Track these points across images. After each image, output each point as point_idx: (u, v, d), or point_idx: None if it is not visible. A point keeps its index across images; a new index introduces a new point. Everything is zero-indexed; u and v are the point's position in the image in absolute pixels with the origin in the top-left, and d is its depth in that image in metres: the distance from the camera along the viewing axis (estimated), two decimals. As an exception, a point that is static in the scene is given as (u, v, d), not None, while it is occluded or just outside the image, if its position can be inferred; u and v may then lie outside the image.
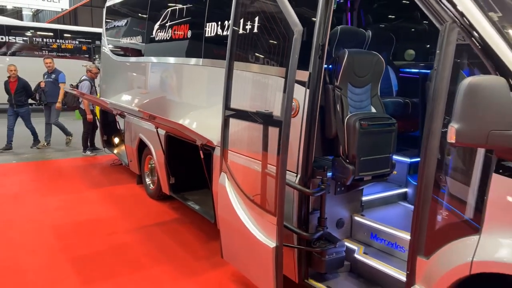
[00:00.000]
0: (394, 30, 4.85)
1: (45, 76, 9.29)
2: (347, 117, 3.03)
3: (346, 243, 3.31)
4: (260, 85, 3.16)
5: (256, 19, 3.12)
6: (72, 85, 8.31)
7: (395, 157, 3.45)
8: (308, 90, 2.92)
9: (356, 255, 3.23)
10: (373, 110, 3.28)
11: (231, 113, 3.29)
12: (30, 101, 9.34)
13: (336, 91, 3.06)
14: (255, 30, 3.13)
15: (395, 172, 3.41)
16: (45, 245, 4.41)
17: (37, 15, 34.23)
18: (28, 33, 15.88)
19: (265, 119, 2.96)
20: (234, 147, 3.34)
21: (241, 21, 3.23)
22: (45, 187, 6.52)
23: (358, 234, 3.46)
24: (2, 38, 15.08)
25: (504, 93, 1.81)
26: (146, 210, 5.50)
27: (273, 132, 2.85)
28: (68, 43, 16.49)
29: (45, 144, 9.40)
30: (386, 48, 4.34)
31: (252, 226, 3.17)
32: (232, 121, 3.32)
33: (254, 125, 3.14)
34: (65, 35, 16.39)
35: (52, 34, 16.15)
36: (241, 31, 3.22)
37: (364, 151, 3.02)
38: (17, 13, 35.33)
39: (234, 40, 3.26)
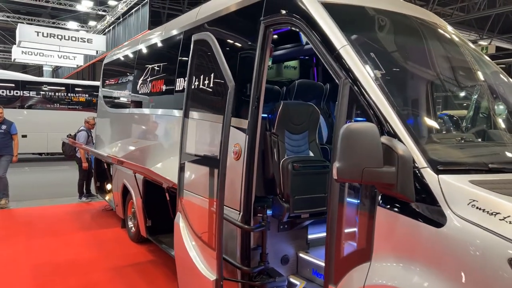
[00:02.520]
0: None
1: None
2: (283, 160, 3.38)
3: (290, 279, 3.53)
4: (208, 132, 3.57)
5: (206, 76, 3.59)
6: (70, 134, 8.87)
7: None
8: (247, 136, 3.31)
9: (296, 290, 3.43)
10: (311, 154, 3.62)
11: (186, 157, 3.68)
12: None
13: (272, 137, 3.44)
14: (205, 86, 3.59)
15: None
16: (21, 283, 4.69)
17: (56, 70, 36.18)
18: (42, 88, 16.94)
19: (210, 162, 3.34)
20: (187, 187, 3.69)
21: (194, 77, 3.70)
22: (35, 231, 6.85)
23: (303, 270, 3.68)
24: (17, 93, 16.12)
25: (374, 137, 2.16)
26: (124, 252, 5.77)
27: (216, 173, 3.20)
28: (79, 96, 17.47)
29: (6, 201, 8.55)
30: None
31: (198, 260, 3.45)
32: (187, 164, 3.71)
33: (202, 168, 3.51)
34: (76, 89, 17.43)
35: (64, 88, 17.21)
36: (193, 86, 3.69)
37: (297, 190, 3.33)
38: (38, 69, 37.47)
39: (188, 95, 3.72)
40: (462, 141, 2.87)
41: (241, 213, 3.34)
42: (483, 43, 24.94)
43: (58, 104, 16.90)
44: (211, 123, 3.50)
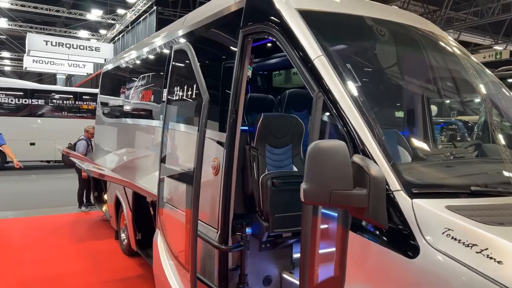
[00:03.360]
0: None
1: None
2: (262, 175, 3.20)
3: (272, 301, 3.34)
4: (185, 146, 3.42)
5: (184, 87, 3.45)
6: (70, 143, 8.82)
7: None
8: (225, 150, 3.14)
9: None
10: (295, 169, 3.44)
11: (164, 171, 3.54)
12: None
13: (252, 151, 3.26)
14: (183, 97, 3.44)
15: None
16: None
17: (70, 78, 36.68)
18: (50, 96, 17.07)
19: (186, 177, 3.18)
20: (164, 203, 3.54)
21: (173, 88, 3.57)
22: (28, 242, 6.77)
23: (287, 291, 3.48)
24: (25, 101, 16.28)
25: (344, 156, 1.97)
26: (115, 266, 5.63)
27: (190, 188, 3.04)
28: (87, 104, 17.56)
29: None
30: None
31: (174, 281, 3.29)
32: (165, 179, 3.56)
33: (179, 183, 3.36)
34: (83, 97, 17.52)
35: (72, 96, 17.32)
36: (172, 98, 3.55)
37: (277, 208, 3.14)
38: (53, 77, 38.05)
39: (167, 107, 3.59)
40: (451, 158, 2.66)
41: (219, 232, 3.17)
42: (498, 48, 24.43)
43: (66, 112, 17.00)
44: (189, 135, 3.36)
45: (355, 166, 2.00)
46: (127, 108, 5.91)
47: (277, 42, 2.81)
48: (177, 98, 3.49)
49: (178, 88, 3.48)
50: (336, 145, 2.01)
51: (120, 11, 21.42)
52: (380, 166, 2.01)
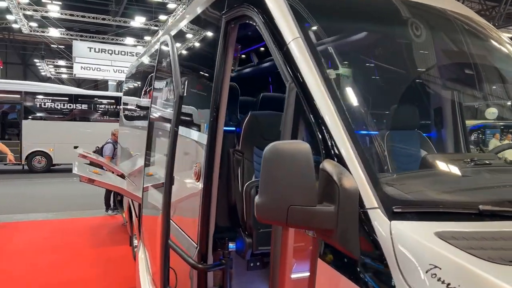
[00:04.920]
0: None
1: None
2: (247, 183, 2.76)
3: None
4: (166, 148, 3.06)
5: (166, 82, 3.10)
6: (98, 147, 8.82)
7: None
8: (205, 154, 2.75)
9: None
10: (289, 176, 2.96)
11: (147, 178, 3.20)
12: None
13: (236, 155, 2.84)
14: (164, 94, 3.10)
15: None
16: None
17: (120, 84, 38.04)
18: (92, 101, 17.57)
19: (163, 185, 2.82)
20: (145, 214, 3.20)
21: (157, 84, 3.24)
22: (47, 245, 6.76)
23: (280, 318, 3.00)
24: (70, 106, 16.85)
25: (306, 162, 1.50)
26: (125, 274, 5.41)
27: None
28: (129, 108, 17.88)
29: None
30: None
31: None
32: (148, 187, 3.22)
33: (158, 192, 3.01)
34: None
35: (113, 100, 17.70)
36: (156, 94, 3.22)
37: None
38: (106, 83, 39.69)
39: (151, 105, 3.25)
40: (470, 165, 2.08)
41: (198, 247, 2.77)
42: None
43: (107, 116, 17.40)
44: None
45: (325, 175, 1.53)
46: (140, 110, 5.71)
47: (257, 27, 2.38)
48: (159, 95, 3.15)
49: (162, 84, 3.14)
50: (298, 147, 1.54)
51: (162, 17, 21.77)
52: (354, 174, 1.53)
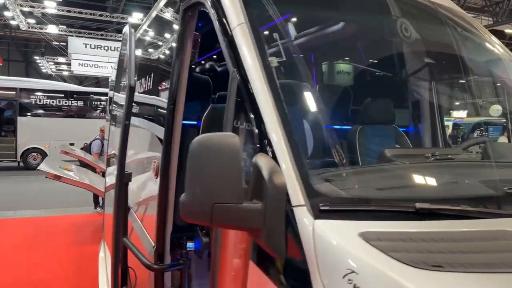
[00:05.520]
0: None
1: None
2: (205, 180, 2.63)
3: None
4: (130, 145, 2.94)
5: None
6: (86, 143, 8.74)
7: None
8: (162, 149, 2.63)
9: None
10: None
11: (108, 178, 3.10)
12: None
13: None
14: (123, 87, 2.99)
15: None
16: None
17: (120, 81, 37.92)
18: (88, 97, 17.49)
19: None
20: (107, 212, 3.09)
21: (119, 77, 3.12)
22: (30, 243, 6.65)
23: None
24: (66, 102, 16.78)
25: (234, 155, 1.38)
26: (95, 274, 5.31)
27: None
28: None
29: None
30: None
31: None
32: (109, 186, 3.11)
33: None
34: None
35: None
36: (117, 87, 3.11)
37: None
38: (107, 80, 39.60)
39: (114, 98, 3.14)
40: (430, 160, 1.94)
41: (155, 247, 2.66)
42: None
43: (103, 113, 17.31)
44: (133, 130, 2.88)
45: (256, 170, 1.40)
46: (112, 105, 5.60)
47: (209, 15, 2.25)
48: (120, 87, 3.04)
49: (121, 76, 3.03)
50: (225, 140, 1.42)
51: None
52: (283, 169, 1.40)
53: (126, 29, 3.02)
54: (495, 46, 2.72)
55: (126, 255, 2.90)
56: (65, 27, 25.42)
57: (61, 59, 36.02)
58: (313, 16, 2.16)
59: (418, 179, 1.61)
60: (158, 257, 2.60)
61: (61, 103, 16.80)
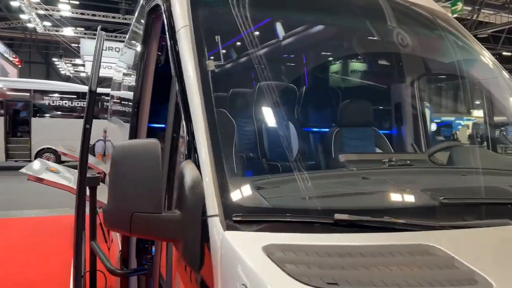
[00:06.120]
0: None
1: None
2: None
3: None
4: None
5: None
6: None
7: None
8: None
9: None
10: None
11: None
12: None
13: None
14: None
15: None
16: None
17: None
18: (101, 98, 17.68)
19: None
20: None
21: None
22: (28, 243, 6.71)
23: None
24: (79, 103, 17.04)
25: (153, 162, 1.34)
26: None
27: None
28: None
29: None
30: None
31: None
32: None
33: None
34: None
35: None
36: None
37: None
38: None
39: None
40: (385, 166, 1.85)
41: (121, 251, 2.64)
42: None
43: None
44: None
45: (179, 179, 1.37)
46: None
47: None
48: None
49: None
50: (145, 147, 1.39)
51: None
52: (204, 178, 1.35)
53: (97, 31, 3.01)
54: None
55: (95, 258, 2.89)
56: (83, 29, 25.84)
57: (78, 61, 36.69)
58: (261, 18, 2.10)
59: (352, 188, 1.54)
60: (123, 262, 2.58)
61: (73, 104, 17.07)
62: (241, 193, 1.36)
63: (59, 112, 16.93)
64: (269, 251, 1.11)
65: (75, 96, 17.12)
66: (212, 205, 1.29)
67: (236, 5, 2.11)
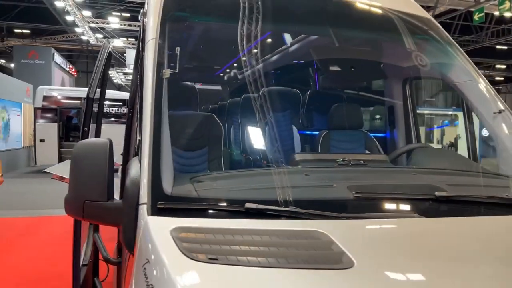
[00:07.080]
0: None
1: None
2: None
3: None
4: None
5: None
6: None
7: None
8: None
9: None
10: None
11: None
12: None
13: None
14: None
15: None
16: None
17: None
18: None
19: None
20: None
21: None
22: (37, 240, 7.16)
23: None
24: (124, 110, 17.99)
25: (102, 157, 1.59)
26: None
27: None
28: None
29: None
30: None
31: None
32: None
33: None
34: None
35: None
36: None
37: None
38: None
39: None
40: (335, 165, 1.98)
41: (117, 242, 2.91)
42: None
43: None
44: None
45: (126, 172, 1.61)
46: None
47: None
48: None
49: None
50: (97, 145, 1.65)
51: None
52: (143, 171, 1.57)
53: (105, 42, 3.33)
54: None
55: (97, 249, 3.18)
56: (133, 39, 27.13)
57: (128, 70, 38.55)
58: (223, 34, 2.29)
59: (279, 182, 1.68)
60: (118, 252, 2.84)
61: (119, 111, 18.04)
62: (170, 185, 1.56)
63: (106, 118, 17.96)
64: (175, 232, 1.30)
65: (121, 103, 18.10)
66: (143, 194, 1.49)
67: (204, 22, 2.32)
